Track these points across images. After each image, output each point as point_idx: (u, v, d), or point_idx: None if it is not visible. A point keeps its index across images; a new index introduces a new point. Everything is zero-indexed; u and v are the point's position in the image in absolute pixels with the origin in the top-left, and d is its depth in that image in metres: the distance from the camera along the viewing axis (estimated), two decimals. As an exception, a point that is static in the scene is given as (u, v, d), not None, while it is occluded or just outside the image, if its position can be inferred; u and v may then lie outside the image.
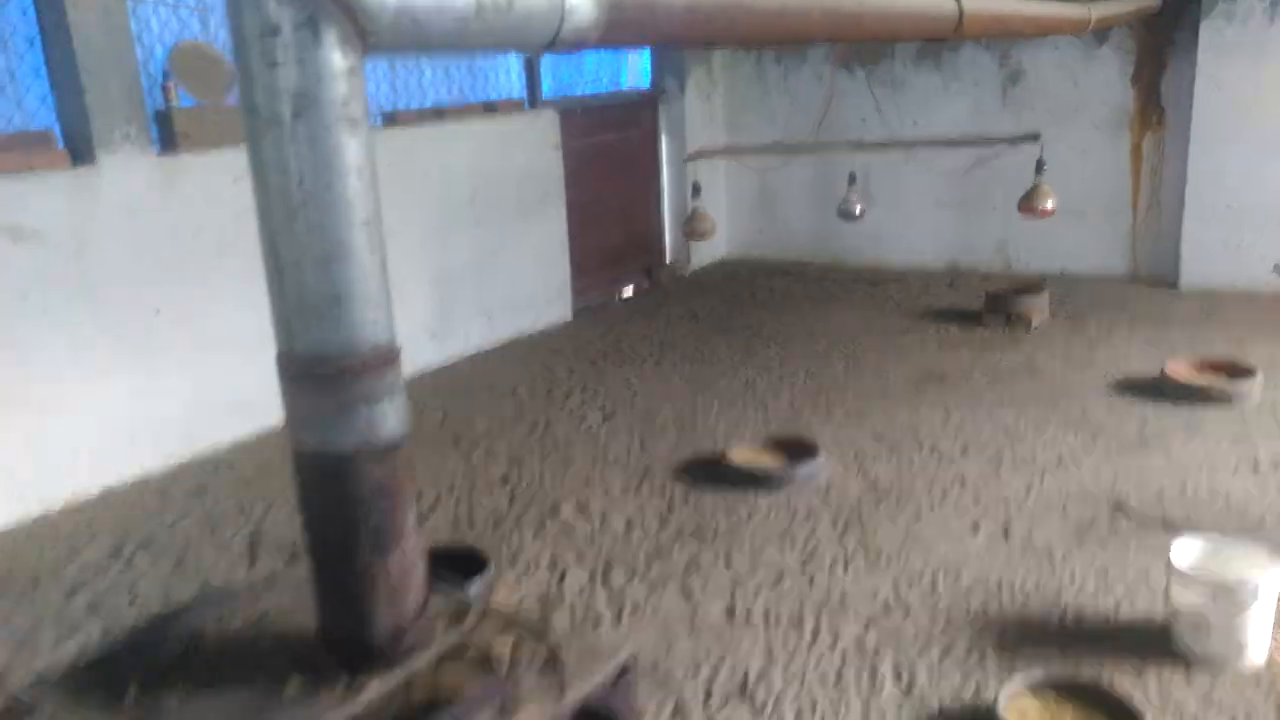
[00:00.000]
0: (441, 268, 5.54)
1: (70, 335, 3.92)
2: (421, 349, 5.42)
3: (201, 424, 4.39)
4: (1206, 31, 5.97)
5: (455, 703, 1.08)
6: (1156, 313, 5.94)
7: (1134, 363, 5.09)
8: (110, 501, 3.98)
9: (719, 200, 7.85)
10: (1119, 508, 3.55)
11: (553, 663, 1.18)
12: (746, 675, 2.65)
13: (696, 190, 5.27)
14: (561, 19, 1.59)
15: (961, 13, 3.26)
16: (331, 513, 1.19)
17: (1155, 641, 2.74)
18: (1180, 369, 4.71)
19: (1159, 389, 4.63)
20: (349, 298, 1.15)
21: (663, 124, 7.39)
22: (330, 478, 1.17)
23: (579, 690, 1.15)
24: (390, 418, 1.19)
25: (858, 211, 6.00)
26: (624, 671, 1.21)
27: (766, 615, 2.96)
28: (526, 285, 6.12)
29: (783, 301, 6.70)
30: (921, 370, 5.16)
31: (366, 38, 1.40)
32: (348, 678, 1.19)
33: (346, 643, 1.21)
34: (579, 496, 3.84)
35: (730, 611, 2.98)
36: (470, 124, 5.73)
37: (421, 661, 1.14)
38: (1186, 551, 2.75)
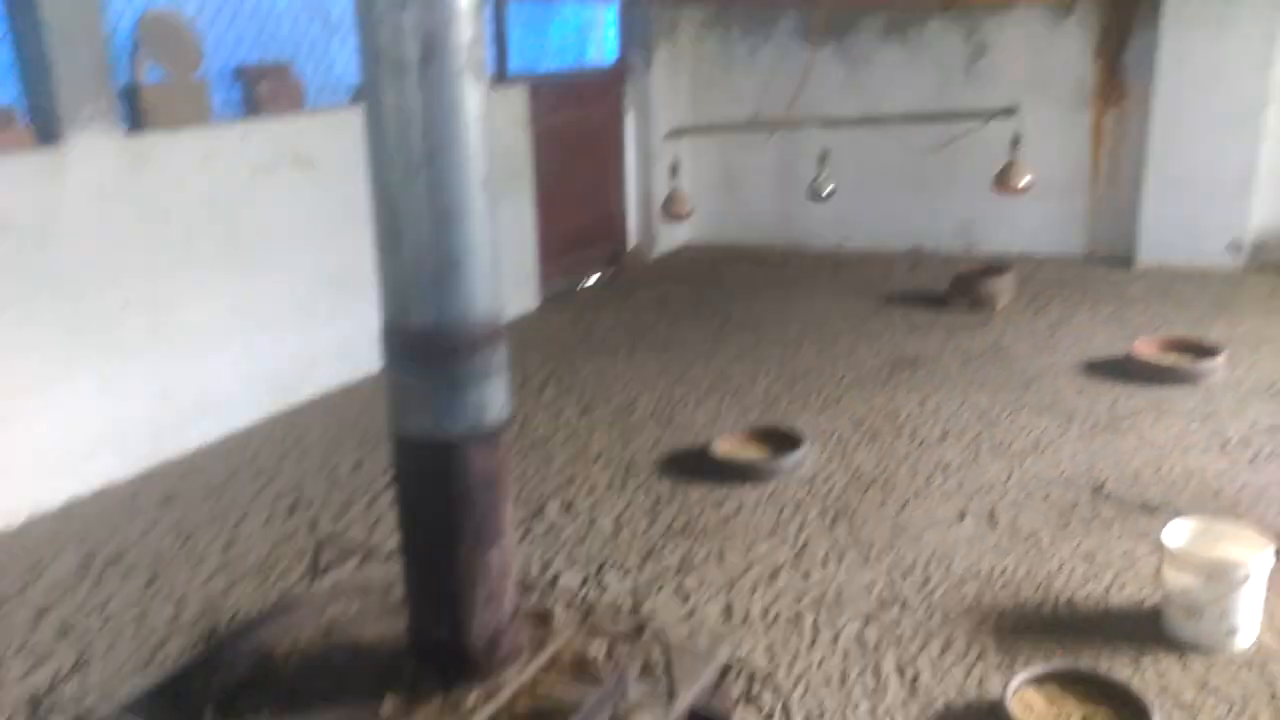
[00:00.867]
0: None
1: (34, 332, 3.75)
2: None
3: (168, 427, 4.25)
4: (1171, 3, 6.03)
5: (564, 715, 1.02)
6: (1116, 292, 6.04)
7: (1099, 343, 5.17)
8: (74, 514, 3.84)
9: (684, 182, 7.80)
10: (1099, 490, 3.61)
11: (653, 667, 1.13)
12: (751, 679, 2.64)
13: (675, 170, 5.17)
14: None
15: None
16: (434, 504, 1.10)
17: (1147, 626, 2.78)
18: (1146, 349, 4.80)
19: (1125, 369, 4.71)
20: (466, 264, 1.05)
21: (629, 101, 7.28)
22: (437, 466, 1.09)
23: (687, 695, 1.11)
24: (499, 398, 1.11)
25: (827, 192, 5.97)
26: (725, 672, 1.17)
27: (765, 614, 2.95)
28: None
29: (749, 286, 6.69)
30: (893, 354, 5.18)
31: None
32: (444, 690, 1.11)
33: (440, 649, 1.12)
34: (564, 495, 3.80)
35: (728, 612, 2.97)
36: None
37: (527, 673, 1.07)
38: (1178, 533, 2.80)
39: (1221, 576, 2.62)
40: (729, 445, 4.06)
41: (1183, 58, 6.07)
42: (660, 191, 7.06)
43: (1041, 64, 6.60)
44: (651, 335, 5.72)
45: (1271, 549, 2.66)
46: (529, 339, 5.76)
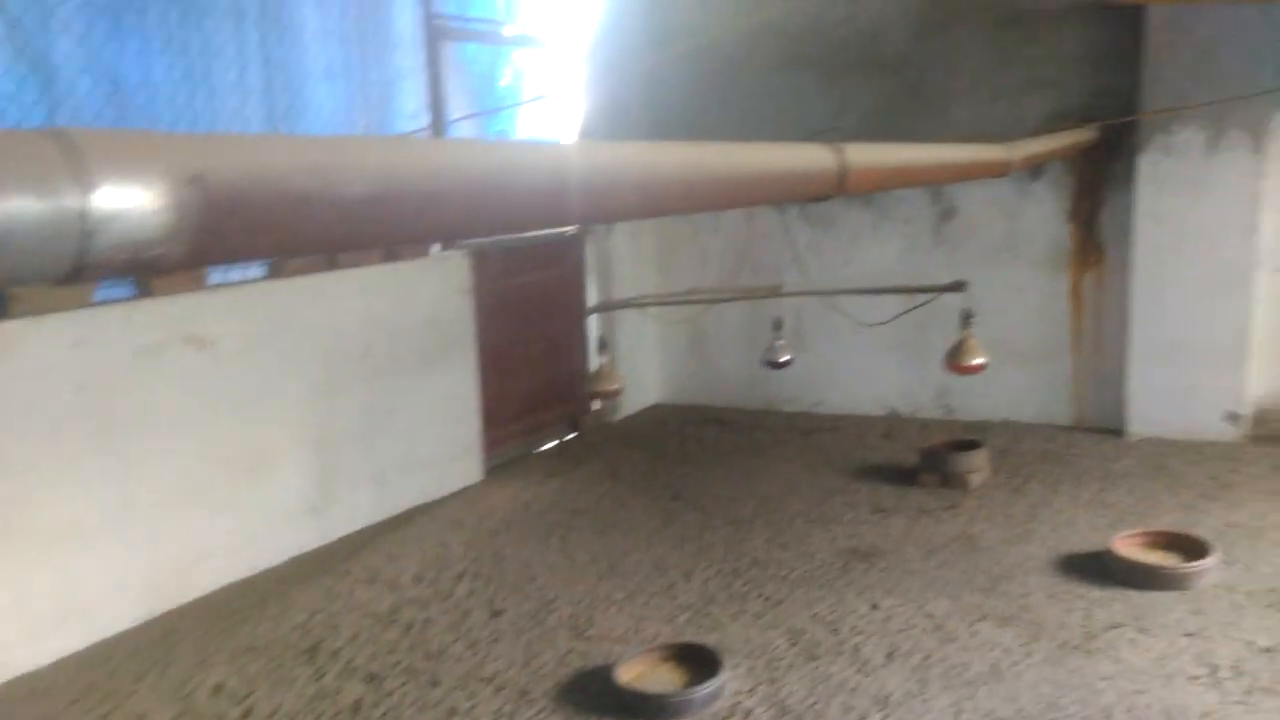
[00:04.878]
0: (327, 432, 5.05)
1: None
2: (298, 528, 4.89)
3: (20, 639, 3.81)
4: (1145, 165, 5.76)
5: None
6: (1102, 468, 5.54)
7: (1079, 531, 4.66)
8: (-110, 745, 3.39)
9: (646, 344, 7.49)
10: (1060, 739, 3.05)
11: None
12: None
13: (603, 345, 4.83)
14: (86, 234, 1.02)
15: (844, 168, 2.92)
16: None
17: None
18: (1128, 544, 4.28)
19: (1105, 568, 4.18)
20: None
21: (590, 263, 7.06)
22: None
23: None
24: None
25: (783, 360, 5.60)
26: None
27: None
28: (428, 444, 5.64)
29: (711, 454, 6.26)
30: (850, 543, 4.69)
31: None
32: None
33: None
34: (439, 732, 3.30)
35: None
36: (367, 272, 5.31)
37: None
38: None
39: None
40: (639, 669, 3.55)
41: (1161, 220, 5.73)
42: (619, 355, 6.74)
43: (1013, 227, 6.31)
44: (593, 514, 5.27)
45: None
46: (461, 519, 5.32)
